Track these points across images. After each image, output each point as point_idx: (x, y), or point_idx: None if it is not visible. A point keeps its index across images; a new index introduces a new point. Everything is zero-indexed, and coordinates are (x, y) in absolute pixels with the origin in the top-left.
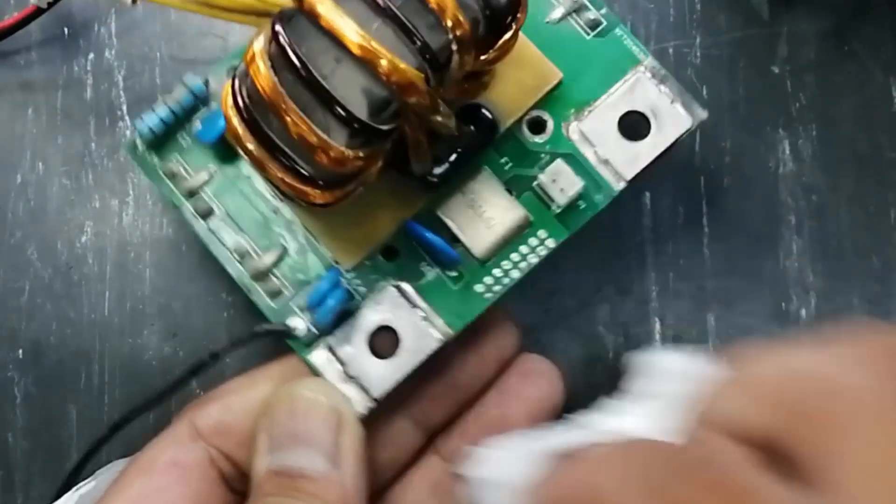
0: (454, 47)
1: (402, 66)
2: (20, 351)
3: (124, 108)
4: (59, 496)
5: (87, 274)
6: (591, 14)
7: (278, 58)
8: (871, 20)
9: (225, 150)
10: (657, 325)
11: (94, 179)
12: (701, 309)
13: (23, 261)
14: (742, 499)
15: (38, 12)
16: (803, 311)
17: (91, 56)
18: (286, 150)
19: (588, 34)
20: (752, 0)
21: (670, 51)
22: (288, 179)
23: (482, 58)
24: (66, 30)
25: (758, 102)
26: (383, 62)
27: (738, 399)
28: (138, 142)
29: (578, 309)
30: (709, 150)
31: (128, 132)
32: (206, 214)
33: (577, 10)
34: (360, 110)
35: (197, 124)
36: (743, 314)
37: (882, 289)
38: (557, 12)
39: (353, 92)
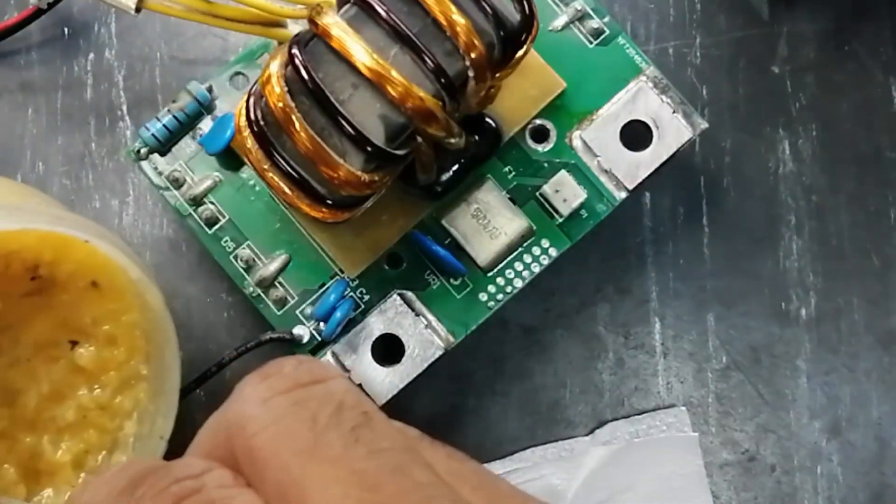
0: (470, 73)
1: (420, 93)
2: None
3: (124, 108)
4: None
5: None
6: (594, 23)
7: (294, 81)
8: (871, 20)
9: (230, 158)
10: (657, 325)
11: (94, 179)
12: (701, 309)
13: None
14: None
15: (38, 13)
16: (803, 311)
17: (91, 56)
18: (299, 170)
19: (591, 43)
20: (752, 0)
21: (670, 51)
22: (300, 200)
23: (496, 76)
24: (66, 30)
25: (758, 102)
26: (399, 88)
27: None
28: (142, 149)
29: (578, 309)
30: (709, 150)
31: (128, 133)
32: (212, 222)
33: (580, 18)
34: (377, 136)
35: (202, 132)
36: (743, 314)
37: (882, 289)
38: (560, 21)
39: (369, 118)
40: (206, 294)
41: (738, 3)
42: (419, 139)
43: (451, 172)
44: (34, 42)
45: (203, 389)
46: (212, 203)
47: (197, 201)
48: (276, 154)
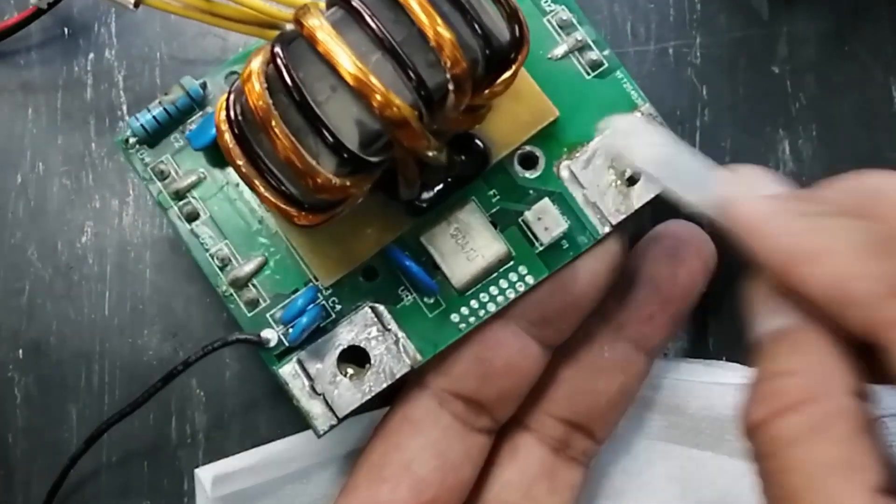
0: (451, 87)
1: (397, 101)
2: (20, 351)
3: (124, 108)
4: (49, 501)
5: (87, 274)
6: (594, 54)
7: (275, 79)
8: (871, 20)
9: (216, 156)
10: None
11: (94, 179)
12: (701, 309)
13: (23, 261)
14: None
15: (38, 13)
16: None
17: (91, 56)
18: (274, 170)
19: (588, 74)
20: (752, 0)
21: (670, 51)
22: (274, 199)
23: (482, 93)
24: (66, 30)
25: (758, 102)
26: (377, 96)
27: None
28: (131, 139)
29: None
30: (709, 150)
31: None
32: (192, 217)
33: (580, 49)
34: (351, 140)
35: (191, 127)
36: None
37: None
38: (560, 49)
39: (345, 121)
40: (206, 294)
41: (738, 3)
42: (396, 149)
43: (433, 191)
44: (34, 42)
45: (201, 389)
46: (194, 198)
47: (179, 195)
48: (252, 151)
